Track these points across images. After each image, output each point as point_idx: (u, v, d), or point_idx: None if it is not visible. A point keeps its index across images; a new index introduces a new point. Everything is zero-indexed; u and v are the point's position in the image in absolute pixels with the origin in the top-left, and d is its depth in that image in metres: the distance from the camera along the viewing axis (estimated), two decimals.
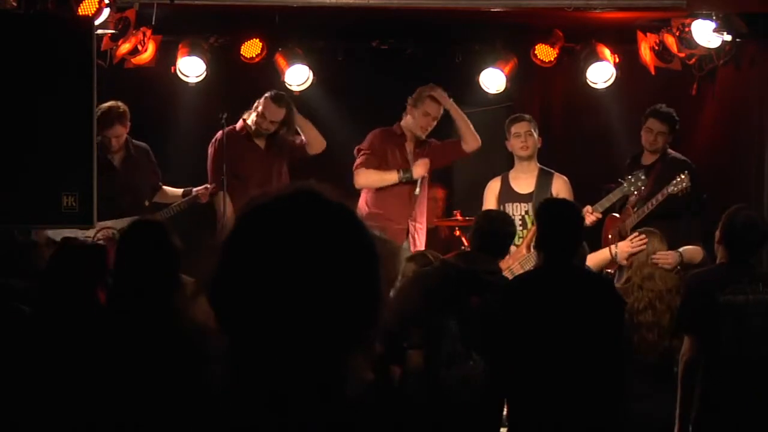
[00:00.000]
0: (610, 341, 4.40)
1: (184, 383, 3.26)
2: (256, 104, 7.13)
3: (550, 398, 4.31)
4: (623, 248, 5.79)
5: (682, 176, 6.57)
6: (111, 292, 3.77)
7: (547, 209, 4.69)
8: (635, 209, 6.74)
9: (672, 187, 6.57)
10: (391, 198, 7.05)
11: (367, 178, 7.03)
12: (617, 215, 6.90)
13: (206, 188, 7.08)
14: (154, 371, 3.40)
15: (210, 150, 7.11)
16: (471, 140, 7.16)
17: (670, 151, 7.00)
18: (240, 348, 1.47)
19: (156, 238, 3.69)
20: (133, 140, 7.12)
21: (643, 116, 7.02)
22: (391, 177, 7.01)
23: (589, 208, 6.60)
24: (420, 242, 7.14)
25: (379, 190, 7.08)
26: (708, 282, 4.81)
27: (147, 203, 7.06)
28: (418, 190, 7.09)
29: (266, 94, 7.13)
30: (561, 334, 4.34)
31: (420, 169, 7.02)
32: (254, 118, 7.10)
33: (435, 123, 7.13)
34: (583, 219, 4.76)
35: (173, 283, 3.60)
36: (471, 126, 7.17)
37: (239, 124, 7.19)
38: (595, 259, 5.94)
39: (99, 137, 6.80)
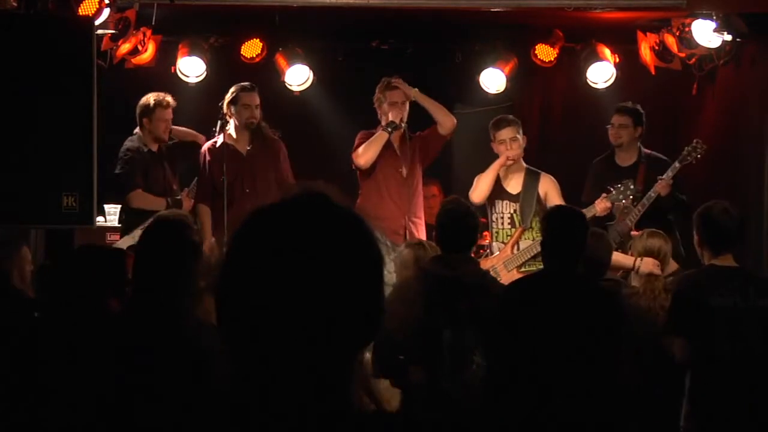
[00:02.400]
0: (610, 351, 4.37)
1: (191, 383, 3.26)
2: (226, 111, 6.98)
3: (547, 403, 4.29)
4: (647, 265, 5.77)
5: (695, 143, 6.67)
6: (132, 289, 3.74)
7: (553, 217, 4.67)
8: (635, 204, 6.75)
9: (686, 158, 6.66)
10: (384, 197, 7.02)
11: (364, 152, 6.99)
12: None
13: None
14: (161, 371, 3.40)
15: (201, 162, 7.05)
16: (444, 121, 7.10)
17: (645, 150, 7.03)
18: (243, 351, 1.46)
19: (176, 234, 3.66)
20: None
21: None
22: (380, 137, 6.97)
23: (605, 195, 6.68)
24: (422, 236, 7.13)
25: (373, 192, 7.05)
26: (698, 285, 4.80)
27: (179, 197, 7.05)
28: (405, 170, 7.06)
29: (231, 93, 6.98)
30: (560, 341, 4.32)
31: (393, 114, 6.95)
32: (239, 116, 6.97)
33: (404, 106, 7.00)
34: (588, 227, 4.71)
35: (188, 280, 3.57)
36: (442, 108, 7.12)
37: (218, 139, 7.01)
38: (616, 261, 5.91)
39: (150, 126, 6.96)
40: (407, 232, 7.00)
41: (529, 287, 4.64)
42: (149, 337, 3.48)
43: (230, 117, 7.00)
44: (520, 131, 6.99)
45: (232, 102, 6.97)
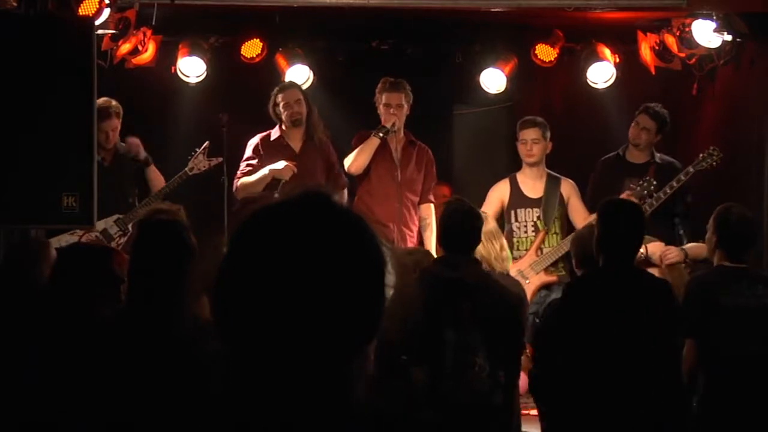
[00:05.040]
0: (669, 345, 4.38)
1: (187, 385, 3.26)
2: (273, 115, 7.02)
3: (607, 399, 4.29)
4: (654, 250, 5.80)
5: (710, 150, 6.68)
6: (128, 291, 3.72)
7: (610, 209, 4.64)
8: (643, 203, 6.78)
9: (701, 164, 6.68)
10: (375, 200, 6.96)
11: (354, 158, 6.91)
12: None
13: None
14: (158, 373, 3.39)
15: (251, 153, 7.01)
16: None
17: (657, 154, 7.07)
18: (241, 352, 1.46)
19: (172, 237, 3.64)
20: (122, 141, 7.09)
21: (637, 111, 7.09)
22: (370, 143, 6.87)
23: (629, 191, 6.69)
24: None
25: (365, 194, 6.98)
26: (708, 285, 4.81)
27: (130, 200, 7.02)
28: (399, 176, 6.95)
29: (271, 97, 7.03)
30: (620, 336, 4.31)
31: (384, 117, 6.89)
32: (283, 116, 6.98)
33: (401, 109, 6.90)
34: (645, 221, 4.70)
35: (185, 282, 3.55)
36: None
37: (273, 132, 7.07)
38: None
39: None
40: (395, 239, 6.84)
41: (589, 283, 4.62)
42: (146, 338, 3.47)
43: (278, 118, 7.01)
44: (546, 135, 6.97)
45: (273, 106, 7.00)
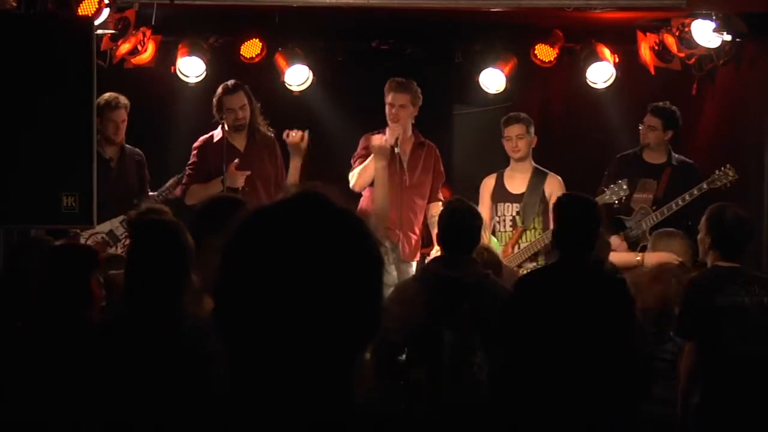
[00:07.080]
0: (622, 340, 4.40)
1: (188, 385, 3.26)
2: (216, 115, 6.99)
3: (560, 394, 4.30)
4: (651, 260, 5.82)
5: (725, 169, 6.63)
6: (126, 293, 3.71)
7: (565, 205, 4.66)
8: (654, 209, 6.75)
9: (715, 182, 6.63)
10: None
11: (358, 176, 6.87)
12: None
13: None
14: (158, 372, 3.39)
15: (196, 156, 7.01)
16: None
17: (676, 154, 7.04)
18: (241, 353, 1.46)
19: (169, 237, 3.64)
20: (127, 145, 7.10)
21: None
22: (374, 165, 6.78)
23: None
24: (408, 254, 6.95)
25: (370, 196, 6.90)
26: (705, 286, 4.82)
27: (135, 201, 7.02)
28: (407, 179, 6.89)
29: (216, 97, 6.99)
30: (573, 330, 4.33)
31: (391, 125, 6.81)
32: (226, 119, 6.95)
33: (405, 110, 6.84)
34: (600, 216, 4.72)
35: (183, 282, 3.55)
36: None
37: (216, 133, 7.04)
38: (619, 260, 5.93)
39: (100, 126, 6.64)
40: (399, 242, 6.79)
41: (543, 277, 4.64)
42: (146, 339, 3.47)
43: (222, 119, 6.99)
44: (531, 130, 6.97)
45: (218, 108, 6.96)
